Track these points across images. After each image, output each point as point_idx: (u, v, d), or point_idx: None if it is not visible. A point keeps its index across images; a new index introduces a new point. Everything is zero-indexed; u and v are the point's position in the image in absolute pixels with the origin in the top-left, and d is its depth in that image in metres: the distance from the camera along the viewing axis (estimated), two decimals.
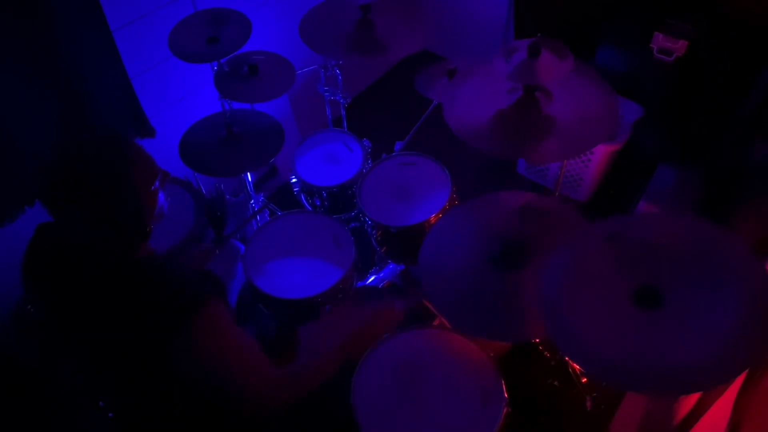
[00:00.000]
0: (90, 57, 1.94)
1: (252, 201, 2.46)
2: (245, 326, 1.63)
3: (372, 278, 2.23)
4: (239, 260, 1.92)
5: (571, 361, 1.80)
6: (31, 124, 1.86)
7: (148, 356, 1.17)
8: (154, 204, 1.23)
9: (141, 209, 1.20)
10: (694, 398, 1.65)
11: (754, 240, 1.89)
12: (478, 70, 1.69)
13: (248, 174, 2.35)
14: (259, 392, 1.19)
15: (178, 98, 2.44)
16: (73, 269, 1.20)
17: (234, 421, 1.38)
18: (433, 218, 1.95)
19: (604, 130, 1.51)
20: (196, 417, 1.32)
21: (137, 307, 1.14)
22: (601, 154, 2.57)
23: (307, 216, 2.05)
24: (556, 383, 1.88)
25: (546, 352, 1.88)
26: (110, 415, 1.47)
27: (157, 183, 1.23)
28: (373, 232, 2.07)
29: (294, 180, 2.29)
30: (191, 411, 1.28)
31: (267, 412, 1.21)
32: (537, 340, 1.85)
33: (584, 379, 1.83)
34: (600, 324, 1.15)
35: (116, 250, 1.19)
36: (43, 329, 1.92)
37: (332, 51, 2.06)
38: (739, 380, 1.45)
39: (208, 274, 1.41)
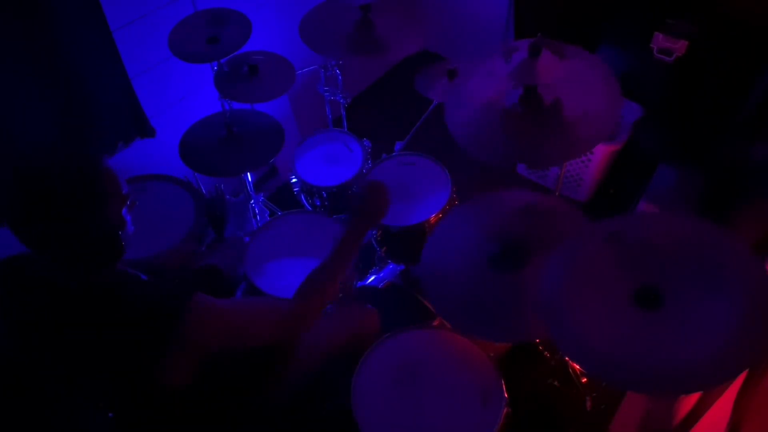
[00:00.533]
0: (90, 57, 1.94)
1: (252, 201, 2.46)
2: None
3: (372, 278, 2.23)
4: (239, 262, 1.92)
5: (571, 361, 1.80)
6: (32, 124, 1.86)
7: (140, 373, 1.15)
8: (124, 228, 1.17)
9: (114, 227, 1.15)
10: (694, 398, 1.65)
11: (754, 240, 1.89)
12: (477, 72, 1.69)
13: (248, 174, 2.35)
14: (282, 333, 1.28)
15: (178, 98, 2.44)
16: (39, 302, 1.15)
17: (234, 420, 1.38)
18: (433, 218, 1.95)
19: (606, 126, 1.50)
20: (197, 418, 1.32)
21: (118, 330, 1.11)
22: (601, 154, 2.57)
23: (307, 216, 2.05)
24: (556, 383, 1.88)
25: (546, 352, 1.88)
26: (110, 415, 1.47)
27: (125, 208, 1.17)
28: (373, 232, 2.07)
29: (294, 180, 2.29)
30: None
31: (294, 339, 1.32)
32: (537, 340, 1.85)
33: (584, 379, 1.83)
34: (600, 324, 1.15)
35: (85, 273, 1.14)
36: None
37: (332, 51, 2.06)
38: (739, 380, 1.45)
39: (184, 274, 1.40)
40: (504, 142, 1.55)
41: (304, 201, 2.32)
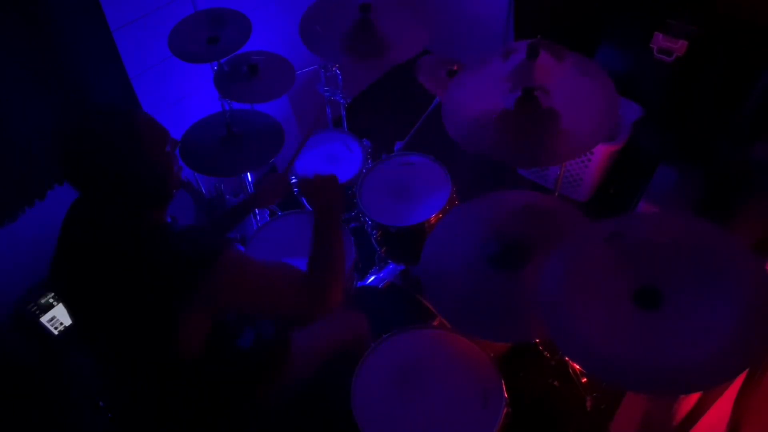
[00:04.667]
0: (90, 57, 1.94)
1: None
2: (244, 326, 1.62)
3: (372, 278, 2.23)
4: None
5: (571, 361, 1.80)
6: (32, 124, 1.86)
7: (160, 328, 1.17)
8: (171, 166, 1.25)
9: (159, 172, 1.22)
10: (694, 398, 1.65)
11: (754, 240, 1.89)
12: (476, 72, 1.69)
13: (248, 174, 2.35)
14: (299, 305, 1.27)
15: (178, 98, 2.44)
16: (90, 246, 1.21)
17: (235, 420, 1.38)
18: (433, 218, 1.95)
19: (605, 126, 1.50)
20: (195, 415, 1.32)
21: (153, 271, 1.16)
22: (601, 154, 2.57)
23: (307, 216, 2.05)
24: (556, 383, 1.88)
25: (546, 352, 1.88)
26: (110, 415, 1.47)
27: (168, 146, 1.25)
28: (373, 232, 2.07)
29: (294, 180, 2.29)
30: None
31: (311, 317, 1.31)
32: (537, 340, 1.84)
33: (584, 379, 1.83)
34: (600, 324, 1.15)
35: (135, 217, 1.21)
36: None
37: (333, 55, 2.05)
38: (739, 380, 1.45)
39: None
40: (502, 141, 1.55)
41: (305, 201, 2.32)
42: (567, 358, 1.80)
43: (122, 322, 1.21)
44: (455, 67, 2.24)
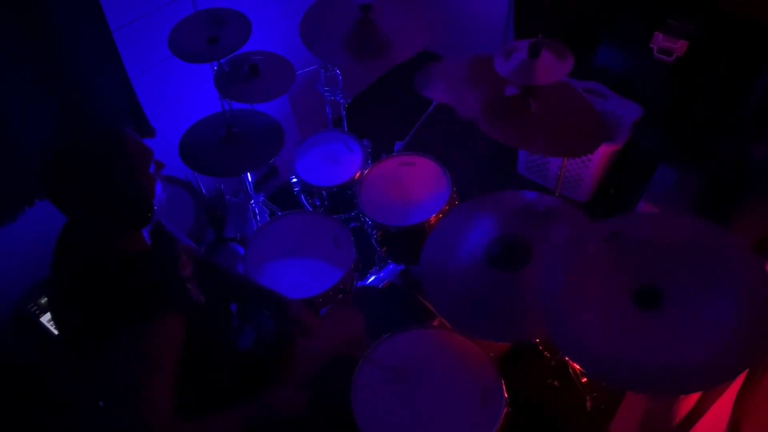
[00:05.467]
0: (90, 57, 1.94)
1: (252, 201, 2.46)
2: (244, 326, 1.63)
3: (372, 278, 2.23)
4: (240, 264, 1.92)
5: (571, 361, 1.80)
6: (31, 124, 1.86)
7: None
8: (152, 188, 1.23)
9: (140, 194, 1.21)
10: (694, 398, 1.65)
11: (754, 240, 1.89)
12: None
13: (248, 174, 2.35)
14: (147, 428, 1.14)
15: (178, 98, 2.44)
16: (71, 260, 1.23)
17: None
18: (433, 218, 1.95)
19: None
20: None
21: (102, 295, 1.16)
22: (601, 154, 2.57)
23: (307, 216, 2.05)
24: (556, 383, 1.88)
25: (546, 352, 1.88)
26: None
27: (152, 167, 1.23)
28: (373, 232, 2.07)
29: (294, 180, 2.29)
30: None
31: None
32: (537, 340, 1.85)
33: (584, 379, 1.83)
34: (600, 324, 1.15)
35: (108, 240, 1.21)
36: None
37: (333, 56, 2.05)
38: (739, 380, 1.45)
39: (185, 290, 1.34)
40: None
41: (304, 201, 2.32)
42: (567, 358, 1.80)
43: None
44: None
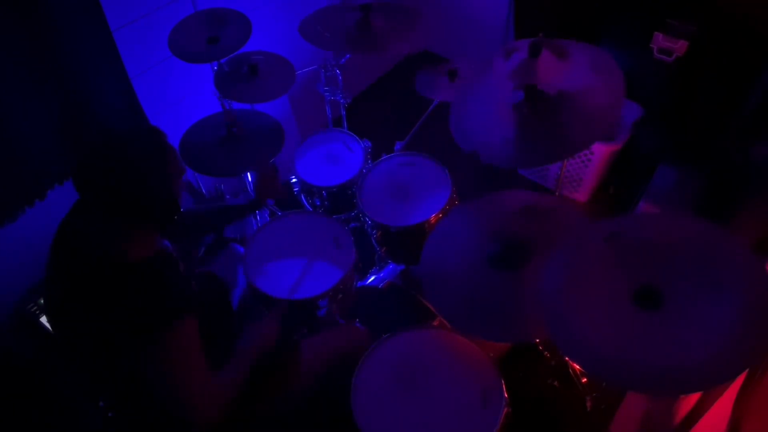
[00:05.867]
0: (90, 57, 1.94)
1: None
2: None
3: (372, 278, 2.23)
4: (240, 264, 1.92)
5: (571, 361, 1.80)
6: (32, 124, 1.86)
7: (120, 357, 1.22)
8: (180, 191, 1.31)
9: (171, 195, 1.27)
10: (694, 398, 1.65)
11: (754, 240, 1.89)
12: (478, 75, 1.69)
13: (248, 174, 2.35)
14: (198, 404, 1.22)
15: (178, 98, 2.44)
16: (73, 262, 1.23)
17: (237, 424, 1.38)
18: (433, 218, 1.95)
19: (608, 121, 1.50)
20: None
21: (119, 307, 1.18)
22: (601, 154, 2.57)
23: (307, 216, 2.05)
24: (556, 383, 1.88)
25: (546, 352, 1.88)
26: (110, 414, 1.47)
27: (181, 171, 1.32)
28: (373, 232, 2.07)
29: (294, 180, 2.29)
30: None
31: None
32: (537, 340, 1.85)
33: (584, 379, 1.83)
34: (600, 324, 1.15)
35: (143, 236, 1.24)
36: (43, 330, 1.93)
37: (332, 46, 2.04)
38: (739, 380, 1.45)
39: (191, 288, 1.39)
40: (514, 141, 1.54)
41: (304, 201, 2.32)
42: (567, 358, 1.81)
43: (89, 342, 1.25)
44: (453, 67, 2.24)
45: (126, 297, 1.17)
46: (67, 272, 1.24)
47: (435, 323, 1.86)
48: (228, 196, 2.29)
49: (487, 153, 1.51)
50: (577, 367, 1.83)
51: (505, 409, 1.40)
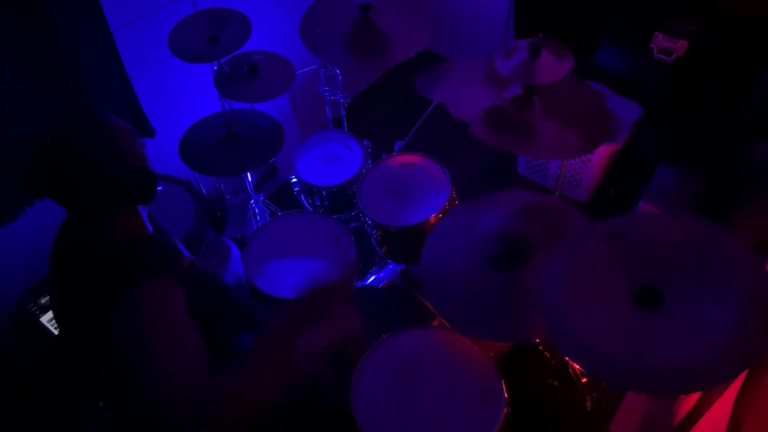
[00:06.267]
0: (90, 57, 1.94)
1: (252, 201, 2.46)
2: (242, 331, 1.62)
3: (372, 278, 2.23)
4: (230, 259, 1.92)
5: (571, 361, 1.80)
6: (31, 124, 1.86)
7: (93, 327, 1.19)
8: (146, 161, 1.26)
9: (138, 170, 1.23)
10: (694, 398, 1.65)
11: (754, 240, 1.89)
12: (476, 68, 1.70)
13: (248, 174, 2.35)
14: (183, 395, 1.03)
15: (178, 98, 2.44)
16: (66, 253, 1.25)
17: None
18: (433, 218, 1.95)
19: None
20: None
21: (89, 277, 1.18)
22: (601, 154, 2.57)
23: (307, 216, 2.05)
24: (556, 383, 1.88)
25: (546, 352, 1.88)
26: (110, 414, 1.47)
27: (138, 144, 1.26)
28: (373, 232, 2.07)
29: (294, 180, 2.29)
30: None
31: (192, 425, 1.02)
32: (537, 340, 1.84)
33: (584, 379, 1.83)
34: (600, 324, 1.15)
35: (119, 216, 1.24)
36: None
37: (333, 55, 2.05)
38: (739, 380, 1.45)
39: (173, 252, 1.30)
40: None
41: (304, 201, 2.32)
42: (567, 358, 1.80)
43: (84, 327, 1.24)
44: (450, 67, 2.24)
45: (105, 263, 1.17)
46: (61, 264, 1.26)
47: (435, 323, 1.86)
48: (228, 196, 2.29)
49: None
50: (577, 367, 1.83)
51: (505, 409, 1.40)
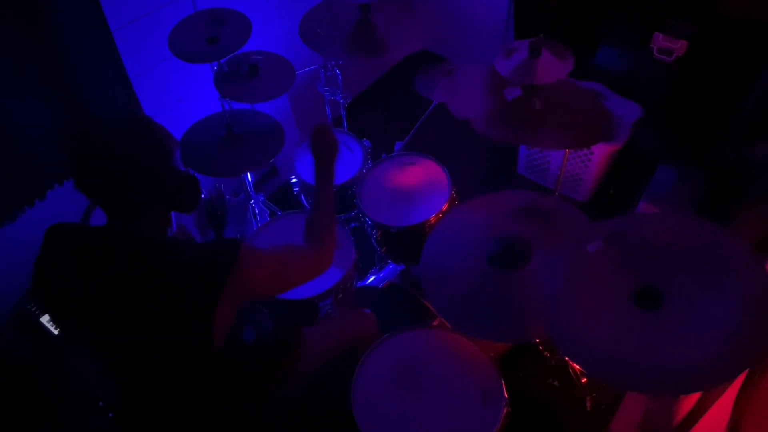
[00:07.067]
0: (90, 57, 1.94)
1: (252, 201, 2.46)
2: (244, 325, 1.63)
3: (372, 278, 2.23)
4: None
5: (571, 361, 1.80)
6: (32, 124, 1.86)
7: (184, 336, 1.20)
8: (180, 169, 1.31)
9: (183, 177, 1.28)
10: (694, 398, 1.65)
11: (754, 240, 1.89)
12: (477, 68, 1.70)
13: (248, 174, 2.35)
14: (309, 275, 1.36)
15: (178, 98, 2.44)
16: (93, 267, 1.21)
17: (238, 419, 1.38)
18: (433, 218, 1.95)
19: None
20: (201, 415, 1.32)
21: (185, 273, 1.18)
22: (601, 154, 2.57)
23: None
24: (556, 383, 1.88)
25: (546, 352, 1.88)
26: (110, 414, 1.47)
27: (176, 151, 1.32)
28: (373, 232, 2.07)
29: (294, 180, 2.29)
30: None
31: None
32: (537, 340, 1.85)
33: (584, 379, 1.83)
34: (600, 324, 1.15)
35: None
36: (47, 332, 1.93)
37: (332, 51, 2.05)
38: (739, 380, 1.45)
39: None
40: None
41: (304, 201, 2.32)
42: (567, 358, 1.81)
43: (150, 325, 1.22)
44: (453, 68, 2.24)
45: (189, 257, 1.21)
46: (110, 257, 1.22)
47: (435, 323, 1.86)
48: (228, 196, 2.29)
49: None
50: (577, 367, 1.83)
51: (505, 409, 1.40)
